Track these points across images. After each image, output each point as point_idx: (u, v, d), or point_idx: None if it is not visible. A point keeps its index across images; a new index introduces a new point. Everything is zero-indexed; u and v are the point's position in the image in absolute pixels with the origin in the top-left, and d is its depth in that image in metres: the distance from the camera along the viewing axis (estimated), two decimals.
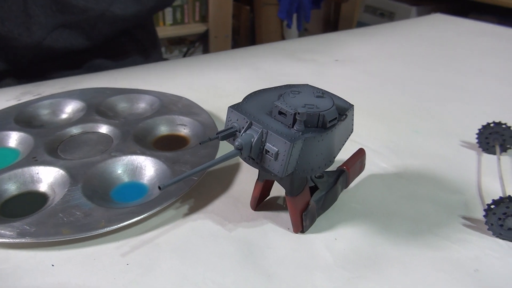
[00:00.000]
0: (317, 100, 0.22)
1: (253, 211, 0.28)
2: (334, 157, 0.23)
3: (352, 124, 0.25)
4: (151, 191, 0.29)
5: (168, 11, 1.86)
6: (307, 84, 0.26)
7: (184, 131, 0.36)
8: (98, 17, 0.48)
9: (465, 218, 0.28)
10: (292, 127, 0.21)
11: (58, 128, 0.34)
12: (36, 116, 0.37)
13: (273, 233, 0.26)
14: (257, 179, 0.26)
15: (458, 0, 1.88)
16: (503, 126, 0.35)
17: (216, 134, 0.22)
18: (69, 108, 0.38)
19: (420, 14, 1.97)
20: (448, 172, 0.33)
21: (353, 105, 0.24)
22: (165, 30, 1.86)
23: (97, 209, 0.26)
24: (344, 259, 0.24)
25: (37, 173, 0.29)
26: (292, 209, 0.25)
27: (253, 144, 0.21)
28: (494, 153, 0.35)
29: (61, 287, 0.21)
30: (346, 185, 0.29)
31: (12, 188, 0.28)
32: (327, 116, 0.21)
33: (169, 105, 0.38)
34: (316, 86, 0.26)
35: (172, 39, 1.93)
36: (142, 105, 0.40)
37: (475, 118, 0.40)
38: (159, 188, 0.20)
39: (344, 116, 0.22)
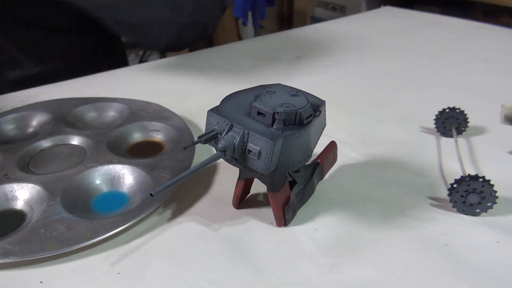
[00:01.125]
0: (292, 99, 0.23)
1: (235, 209, 0.29)
2: (312, 151, 0.24)
3: (325, 119, 0.27)
4: (132, 199, 0.29)
5: None
6: (280, 84, 0.27)
7: (157, 136, 0.36)
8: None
9: (431, 198, 0.30)
10: (272, 126, 0.22)
11: (27, 143, 0.33)
12: (0, 132, 0.36)
13: (258, 228, 0.27)
14: (238, 178, 0.27)
15: None
16: (457, 110, 0.37)
17: (198, 137, 0.23)
18: (35, 122, 0.37)
19: (369, 7, 2.04)
20: (411, 156, 0.35)
21: (324, 101, 0.26)
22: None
23: (80, 222, 0.26)
24: (327, 247, 0.25)
25: (11, 191, 0.29)
26: (274, 204, 0.26)
27: (235, 145, 0.22)
28: (451, 136, 0.38)
29: None
30: (321, 177, 0.30)
31: None
32: (303, 113, 0.22)
33: (139, 111, 0.38)
34: (287, 85, 0.27)
35: (127, 42, 1.89)
36: (111, 113, 0.39)
37: (431, 105, 0.43)
38: (151, 195, 0.21)
39: (319, 112, 0.24)
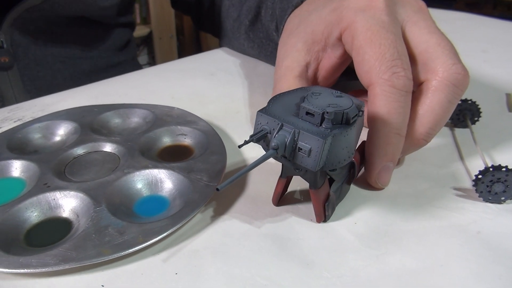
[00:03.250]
0: (338, 100, 0.24)
1: (274, 207, 0.30)
2: (355, 150, 0.26)
3: (364, 120, 0.28)
4: (173, 202, 0.30)
5: None
6: (318, 86, 0.29)
7: (185, 140, 0.37)
8: None
9: (455, 188, 0.32)
10: (320, 125, 0.23)
11: (59, 152, 0.34)
12: (27, 141, 0.36)
13: (298, 225, 0.28)
14: (280, 176, 0.28)
15: None
16: (469, 101, 0.39)
17: (250, 137, 0.24)
18: (61, 130, 0.38)
19: None
20: (430, 149, 0.37)
21: (363, 102, 0.27)
22: None
23: (130, 226, 0.26)
24: (368, 239, 0.27)
25: (54, 199, 0.29)
26: (316, 201, 0.27)
27: (287, 143, 0.23)
28: (465, 127, 0.40)
29: None
30: (355, 175, 0.31)
31: (32, 218, 0.28)
32: (350, 113, 0.23)
33: (163, 116, 0.39)
34: (326, 87, 0.29)
35: None
36: (135, 119, 0.40)
37: None
38: (217, 189, 0.22)
39: (361, 112, 0.25)
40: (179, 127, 0.37)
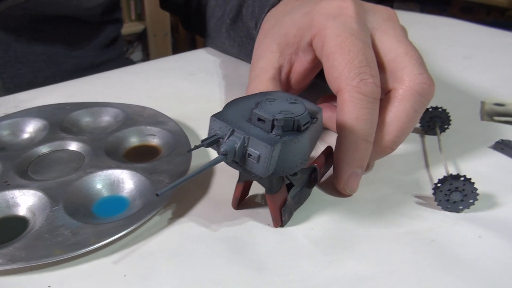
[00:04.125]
0: (291, 106, 0.24)
1: (234, 210, 0.30)
2: (308, 156, 0.26)
3: (322, 125, 0.28)
4: (133, 203, 0.30)
5: None
6: (280, 91, 0.29)
7: (154, 141, 0.37)
8: None
9: (417, 196, 0.32)
10: (271, 132, 0.23)
11: (25, 149, 0.34)
12: None
13: (256, 229, 0.28)
14: (238, 181, 0.28)
15: None
16: (440, 109, 0.40)
17: (202, 141, 0.24)
18: (30, 128, 0.38)
19: None
20: (398, 155, 0.37)
21: (321, 109, 0.27)
22: None
23: (84, 227, 0.26)
24: (323, 245, 0.27)
25: (12, 198, 0.29)
26: (272, 206, 0.27)
27: (236, 149, 0.23)
28: (434, 134, 0.40)
29: None
30: (318, 180, 0.31)
31: None
32: (301, 120, 0.24)
33: (134, 116, 0.39)
34: (286, 93, 0.29)
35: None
36: (106, 118, 0.40)
37: None
38: (157, 195, 0.22)
39: (316, 119, 0.25)
40: (148, 127, 0.37)
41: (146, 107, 0.41)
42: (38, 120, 0.38)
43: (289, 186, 0.29)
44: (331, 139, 0.39)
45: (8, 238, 0.26)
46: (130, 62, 0.73)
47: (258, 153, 0.23)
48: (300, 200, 0.30)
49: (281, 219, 0.28)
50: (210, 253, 0.26)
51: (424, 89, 0.30)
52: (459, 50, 0.63)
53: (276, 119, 0.23)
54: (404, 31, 0.33)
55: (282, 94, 0.26)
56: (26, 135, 0.37)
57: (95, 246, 0.25)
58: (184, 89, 0.49)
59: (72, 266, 0.25)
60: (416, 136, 0.40)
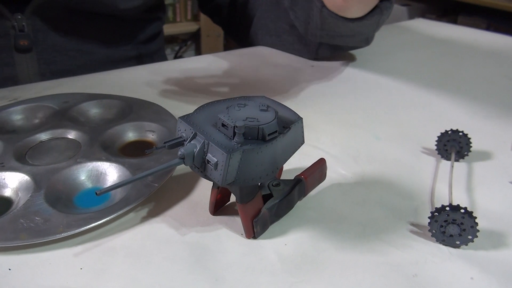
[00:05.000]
0: (260, 114, 0.23)
1: (210, 216, 0.29)
2: (278, 168, 0.24)
3: (303, 136, 0.26)
4: (113, 197, 0.30)
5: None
6: (263, 96, 0.27)
7: (152, 137, 0.37)
8: None
9: (412, 224, 0.29)
10: (233, 139, 0.22)
11: (28, 134, 0.35)
12: (8, 121, 0.38)
13: (226, 238, 0.27)
14: (212, 186, 0.27)
15: (448, 1, 1.89)
16: (460, 133, 0.36)
17: (164, 143, 0.23)
18: (41, 113, 0.39)
19: (411, 14, 1.98)
20: (404, 178, 0.34)
21: (301, 118, 0.25)
22: None
23: (57, 215, 0.27)
24: (291, 264, 0.25)
25: (4, 179, 0.30)
26: (243, 216, 0.26)
27: (195, 154, 0.22)
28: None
29: None
30: (304, 193, 0.30)
31: None
32: (266, 129, 0.22)
33: (139, 111, 0.39)
34: (271, 99, 0.27)
35: (164, 38, 1.94)
36: (114, 110, 0.41)
37: (439, 124, 0.41)
38: (96, 193, 0.21)
39: (287, 130, 0.24)
40: (149, 123, 0.37)
41: (153, 104, 0.41)
42: (50, 106, 0.40)
43: (269, 197, 0.28)
44: (328, 148, 0.37)
45: None
46: (163, 59, 0.74)
47: (216, 160, 0.22)
48: (279, 212, 0.28)
49: (253, 230, 0.27)
50: (171, 257, 0.25)
51: None
52: (504, 70, 0.57)
53: (236, 126, 0.21)
54: None
55: (258, 100, 0.25)
56: (36, 121, 0.39)
57: (60, 236, 0.25)
58: (198, 89, 0.48)
59: (35, 253, 0.25)
60: (431, 160, 0.37)
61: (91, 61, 0.60)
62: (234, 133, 0.22)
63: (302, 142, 0.26)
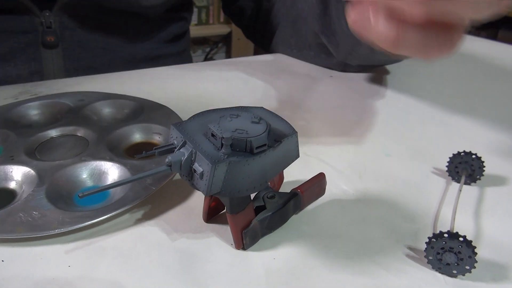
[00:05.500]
0: (251, 126, 0.23)
1: (203, 223, 0.29)
2: (267, 181, 0.24)
3: (297, 150, 0.26)
4: (112, 197, 0.30)
5: (193, 11, 1.90)
6: (262, 108, 0.27)
7: (158, 139, 0.37)
8: None
9: (410, 248, 0.28)
10: (220, 149, 0.22)
11: (41, 129, 0.37)
12: (26, 116, 0.40)
13: (216, 247, 0.27)
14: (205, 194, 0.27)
15: None
16: (473, 156, 0.34)
17: (154, 149, 0.24)
18: (57, 110, 0.41)
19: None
20: (409, 198, 0.33)
21: (296, 132, 0.25)
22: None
23: (54, 211, 0.28)
24: (277, 279, 0.25)
25: (11, 171, 0.31)
26: (233, 226, 0.26)
27: (182, 162, 0.22)
28: (465, 183, 0.35)
29: (5, 282, 0.23)
30: (300, 207, 0.29)
31: None
32: (254, 142, 0.22)
33: (150, 112, 0.40)
34: (270, 110, 0.27)
35: (196, 39, 1.97)
36: (126, 111, 0.42)
37: (455, 143, 0.40)
38: (79, 196, 0.22)
39: (277, 143, 0.23)
40: (157, 125, 0.38)
41: (165, 106, 0.41)
42: (66, 103, 0.41)
43: (262, 209, 0.28)
44: (333, 162, 0.36)
45: None
46: (188, 60, 0.75)
47: (202, 169, 0.22)
48: (271, 225, 0.28)
49: (242, 242, 0.27)
50: (158, 262, 0.25)
51: None
52: None
53: (223, 137, 0.21)
54: None
55: (258, 111, 0.25)
56: (51, 117, 0.40)
57: (54, 232, 0.26)
58: (213, 93, 0.49)
59: (29, 246, 0.26)
60: (441, 181, 0.35)
61: (115, 59, 0.62)
62: (222, 144, 0.22)
63: (297, 156, 0.26)
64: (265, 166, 0.23)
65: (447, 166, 0.35)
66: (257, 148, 0.22)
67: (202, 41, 2.00)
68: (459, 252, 0.25)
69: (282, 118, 0.26)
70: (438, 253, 0.26)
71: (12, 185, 0.31)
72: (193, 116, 0.25)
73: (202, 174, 0.22)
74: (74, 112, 0.40)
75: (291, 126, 0.25)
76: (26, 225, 0.26)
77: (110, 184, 0.23)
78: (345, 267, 0.26)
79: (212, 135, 0.22)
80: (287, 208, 0.28)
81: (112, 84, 0.49)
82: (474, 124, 0.45)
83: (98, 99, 0.42)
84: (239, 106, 0.26)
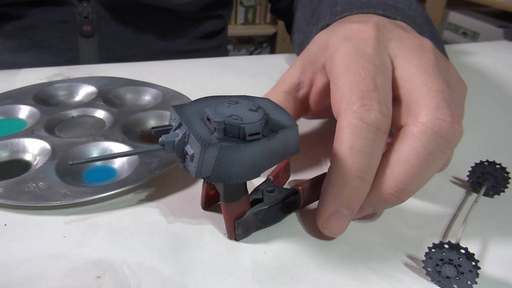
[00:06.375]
0: (247, 113, 0.23)
1: (201, 210, 0.29)
2: (259, 172, 0.24)
3: (297, 144, 0.25)
4: (118, 176, 0.31)
5: (241, 10, 1.92)
6: (267, 99, 0.27)
7: None
8: None
9: (410, 256, 0.26)
10: (213, 133, 0.22)
11: (63, 108, 0.38)
12: (54, 95, 0.42)
13: (209, 234, 0.27)
14: (204, 179, 0.27)
15: None
16: (497, 166, 0.32)
17: (151, 128, 0.24)
18: (83, 92, 0.42)
19: (507, 36, 1.81)
20: (420, 206, 0.31)
21: (296, 125, 0.24)
22: (235, 28, 1.92)
23: (60, 184, 0.29)
24: (264, 273, 0.24)
25: (30, 144, 0.33)
26: (226, 215, 0.26)
27: (175, 143, 0.22)
28: (486, 195, 0.32)
29: (2, 245, 0.25)
30: (299, 205, 0.28)
31: (4, 155, 0.32)
32: (247, 129, 0.22)
33: (169, 101, 0.41)
34: (274, 102, 0.27)
35: (241, 38, 1.99)
36: (147, 97, 0.43)
37: (478, 154, 0.37)
38: (69, 164, 0.22)
39: (273, 134, 0.23)
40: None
41: (183, 95, 0.42)
42: (92, 87, 0.43)
43: (260, 202, 0.27)
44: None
45: (9, 176, 0.30)
46: (224, 55, 0.76)
47: (193, 151, 0.22)
48: (266, 219, 0.27)
49: (234, 232, 0.26)
50: (147, 242, 0.26)
51: (443, 127, 0.24)
52: None
53: (216, 121, 0.21)
54: (438, 63, 0.27)
55: (262, 101, 0.24)
56: (78, 98, 0.42)
57: (55, 203, 0.27)
58: (236, 87, 0.49)
59: (31, 215, 0.27)
60: (460, 191, 0.33)
61: (147, 51, 0.63)
62: (215, 128, 0.22)
63: (296, 150, 0.25)
64: (259, 156, 0.23)
65: (468, 176, 0.33)
66: (250, 135, 0.22)
67: (247, 40, 2.02)
68: (459, 265, 0.23)
69: (285, 111, 0.25)
70: (437, 265, 0.24)
71: (27, 157, 0.32)
72: (195, 100, 0.25)
73: (192, 156, 0.22)
74: (98, 95, 0.41)
75: (292, 119, 0.24)
76: (31, 194, 0.28)
77: (101, 156, 0.24)
78: (336, 268, 0.25)
79: (208, 119, 0.22)
80: (285, 204, 0.28)
81: (139, 72, 0.51)
82: (502, 133, 0.42)
83: (122, 85, 0.44)
84: (244, 95, 0.26)
